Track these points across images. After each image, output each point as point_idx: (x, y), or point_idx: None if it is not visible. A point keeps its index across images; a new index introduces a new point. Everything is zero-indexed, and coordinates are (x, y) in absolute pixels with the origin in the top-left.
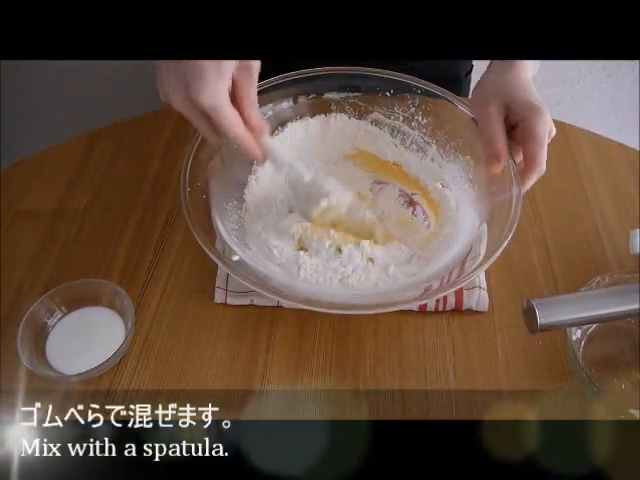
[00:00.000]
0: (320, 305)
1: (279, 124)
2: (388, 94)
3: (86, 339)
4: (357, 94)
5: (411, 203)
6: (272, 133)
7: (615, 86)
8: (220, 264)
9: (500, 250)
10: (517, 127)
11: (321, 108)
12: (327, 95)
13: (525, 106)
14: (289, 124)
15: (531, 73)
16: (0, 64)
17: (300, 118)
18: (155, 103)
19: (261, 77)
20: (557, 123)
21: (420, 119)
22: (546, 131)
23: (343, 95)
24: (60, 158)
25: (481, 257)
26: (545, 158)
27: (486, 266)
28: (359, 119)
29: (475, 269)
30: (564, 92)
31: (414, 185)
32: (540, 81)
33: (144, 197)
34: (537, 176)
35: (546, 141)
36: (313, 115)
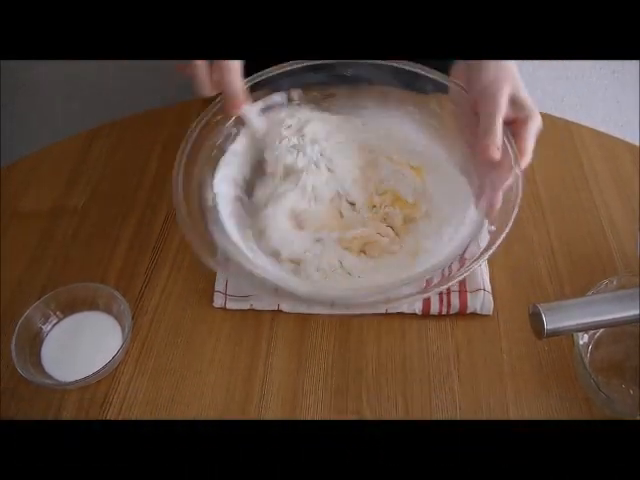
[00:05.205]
0: (323, 301)
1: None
2: None
3: (82, 345)
4: None
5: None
6: None
7: (620, 82)
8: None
9: (501, 238)
10: (513, 122)
11: None
12: None
13: (528, 107)
14: None
15: None
16: (0, 64)
17: None
18: (153, 101)
19: None
20: (562, 121)
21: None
22: (537, 131)
23: None
24: (58, 157)
25: (482, 249)
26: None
27: (487, 256)
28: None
29: (477, 258)
30: (568, 88)
31: None
32: (544, 77)
33: (142, 197)
34: (525, 165)
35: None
36: None
